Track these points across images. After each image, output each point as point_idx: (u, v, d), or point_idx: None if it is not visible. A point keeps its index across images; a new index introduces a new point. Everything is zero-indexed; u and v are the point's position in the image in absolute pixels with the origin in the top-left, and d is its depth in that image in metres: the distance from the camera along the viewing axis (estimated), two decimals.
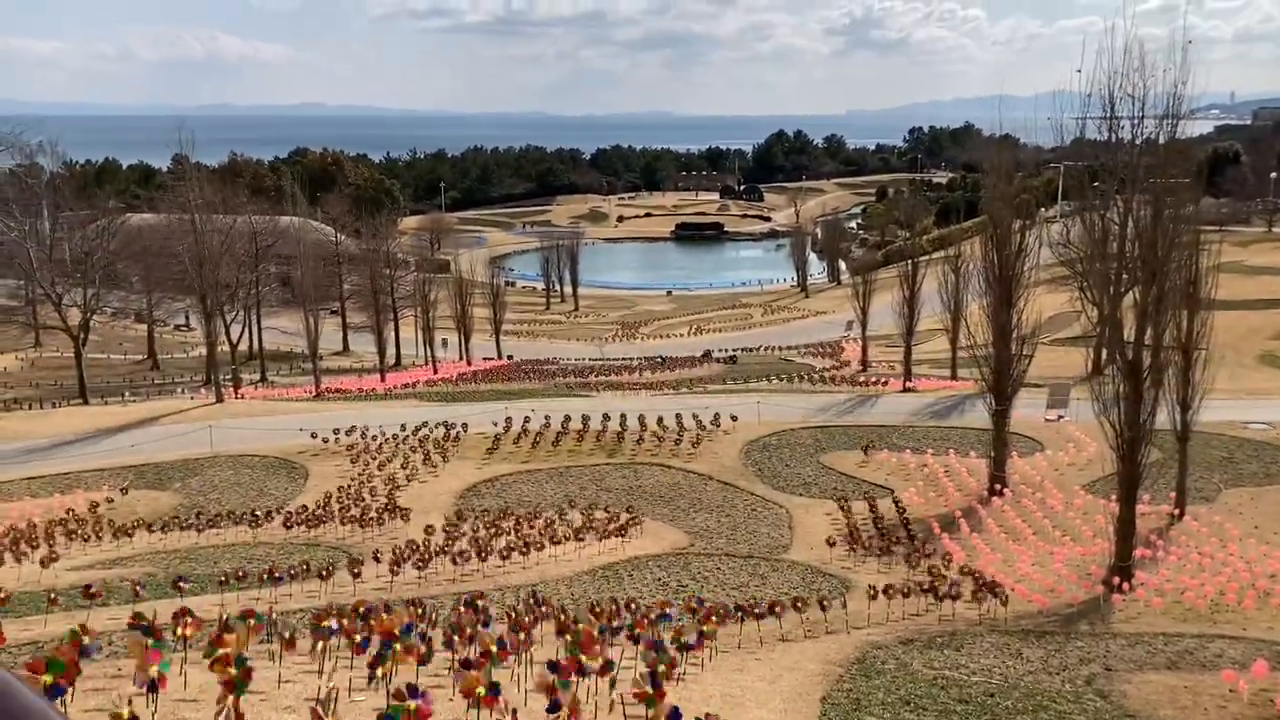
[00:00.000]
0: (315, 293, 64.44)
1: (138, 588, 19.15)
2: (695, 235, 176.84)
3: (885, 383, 54.15)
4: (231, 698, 8.72)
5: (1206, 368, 28.20)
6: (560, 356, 78.58)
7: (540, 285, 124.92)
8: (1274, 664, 17.46)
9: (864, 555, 28.74)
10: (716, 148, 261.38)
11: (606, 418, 42.07)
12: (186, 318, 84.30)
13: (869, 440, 39.41)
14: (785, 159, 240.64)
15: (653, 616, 16.95)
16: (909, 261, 57.27)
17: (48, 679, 8.46)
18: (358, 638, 12.80)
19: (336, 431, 40.60)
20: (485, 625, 13.99)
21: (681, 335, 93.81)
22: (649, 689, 10.22)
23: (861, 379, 57.25)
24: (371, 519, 30.94)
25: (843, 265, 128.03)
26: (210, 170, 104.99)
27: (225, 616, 11.65)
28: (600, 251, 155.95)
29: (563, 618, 16.14)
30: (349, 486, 35.12)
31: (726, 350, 76.08)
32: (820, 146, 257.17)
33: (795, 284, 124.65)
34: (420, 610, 17.16)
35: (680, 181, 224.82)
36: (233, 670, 9.06)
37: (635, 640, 14.73)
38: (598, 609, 18.11)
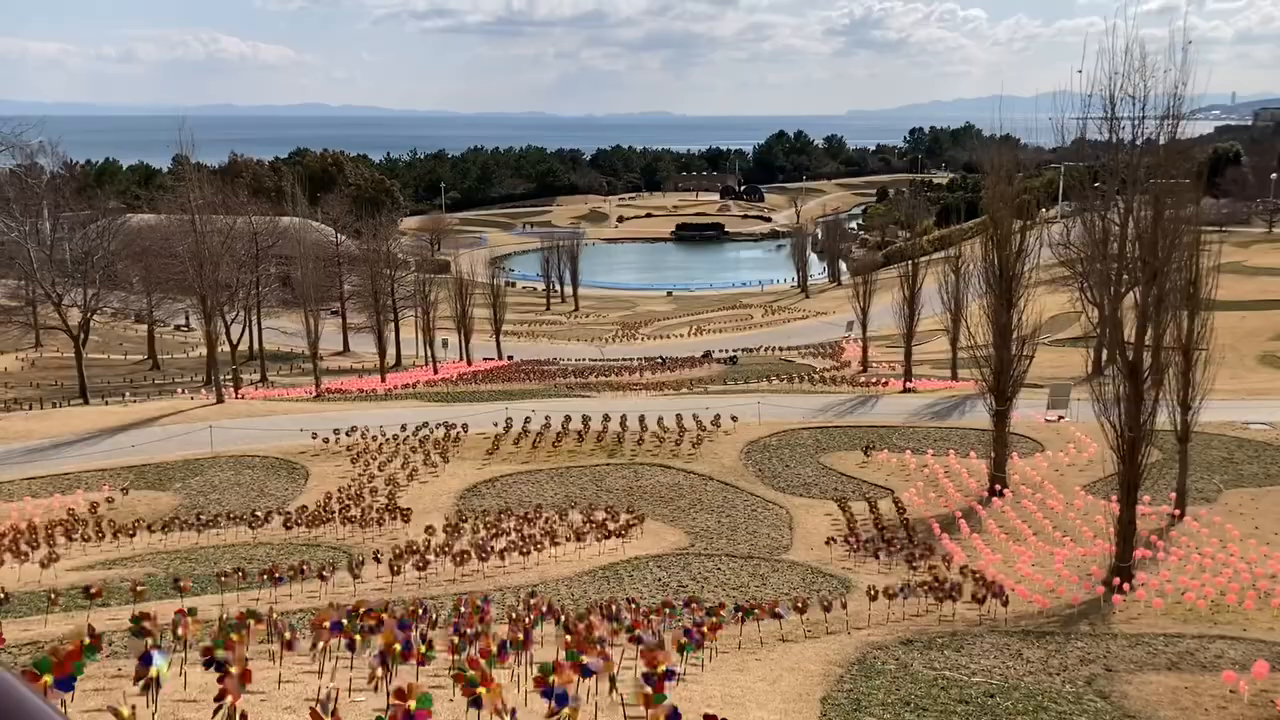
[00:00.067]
0: (315, 293, 64.43)
1: (138, 588, 19.15)
2: (695, 236, 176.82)
3: (885, 383, 54.15)
4: (231, 698, 8.72)
5: (1207, 368, 28.20)
6: (560, 357, 78.51)
7: (540, 286, 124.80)
8: (1274, 665, 17.46)
9: (864, 556, 28.73)
10: (717, 148, 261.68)
11: (607, 418, 42.04)
12: (186, 318, 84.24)
13: (869, 441, 39.41)
14: (786, 159, 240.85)
15: (655, 619, 16.94)
16: (909, 262, 57.27)
17: (48, 681, 8.45)
18: (358, 638, 12.79)
19: (337, 432, 40.60)
20: (485, 626, 13.99)
21: (682, 336, 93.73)
22: (648, 689, 10.22)
23: (862, 379, 57.24)
24: (372, 519, 30.95)
25: (843, 266, 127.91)
26: (211, 170, 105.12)
27: (225, 616, 11.65)
28: (600, 252, 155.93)
29: (563, 618, 16.13)
30: (349, 487, 35.13)
31: (727, 351, 76.02)
32: (821, 147, 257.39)
33: (795, 284, 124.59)
34: (420, 610, 17.14)
35: (680, 182, 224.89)
36: (233, 670, 9.06)
37: (636, 641, 14.71)
38: (598, 609, 18.10)
